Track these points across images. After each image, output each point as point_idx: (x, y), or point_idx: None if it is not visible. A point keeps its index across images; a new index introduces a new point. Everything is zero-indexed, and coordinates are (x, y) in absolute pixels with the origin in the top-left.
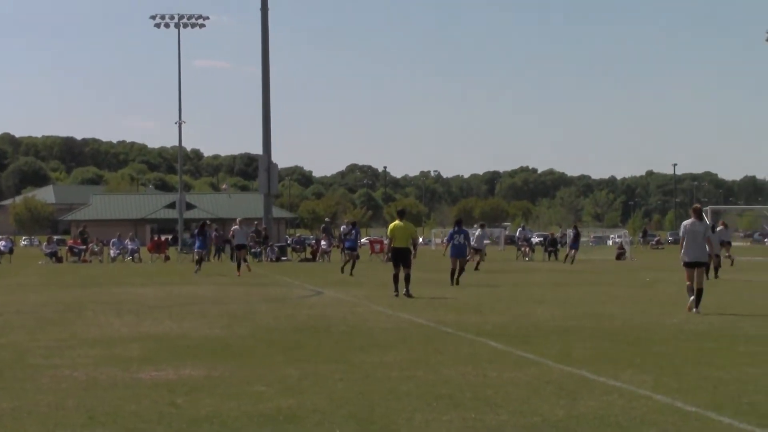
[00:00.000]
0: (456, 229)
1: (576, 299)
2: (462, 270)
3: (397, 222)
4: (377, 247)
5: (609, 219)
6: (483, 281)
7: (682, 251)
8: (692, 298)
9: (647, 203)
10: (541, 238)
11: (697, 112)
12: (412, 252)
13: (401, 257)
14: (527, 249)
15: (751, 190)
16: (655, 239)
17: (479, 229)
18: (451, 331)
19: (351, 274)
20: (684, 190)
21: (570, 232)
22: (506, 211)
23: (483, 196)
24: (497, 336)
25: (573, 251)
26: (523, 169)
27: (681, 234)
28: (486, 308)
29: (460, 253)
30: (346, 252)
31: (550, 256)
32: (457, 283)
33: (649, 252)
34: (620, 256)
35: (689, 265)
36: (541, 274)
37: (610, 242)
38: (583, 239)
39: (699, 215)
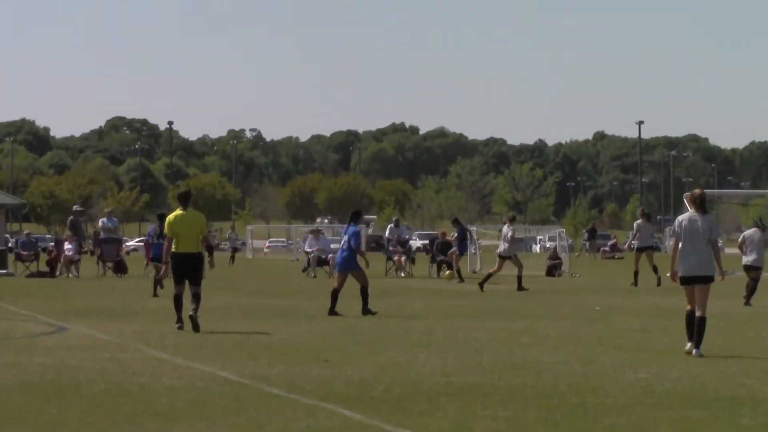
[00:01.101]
0: (346, 227)
1: (481, 340)
2: (359, 291)
3: (178, 212)
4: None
5: (535, 210)
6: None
7: (677, 261)
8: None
9: (596, 184)
10: (426, 241)
11: (674, 46)
12: (207, 258)
13: (187, 267)
14: (402, 258)
15: (761, 163)
16: (610, 243)
17: (506, 225)
18: (279, 392)
19: (155, 294)
20: (655, 165)
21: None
22: (369, 195)
23: (331, 170)
24: (354, 399)
25: (457, 257)
26: (397, 129)
27: (671, 233)
28: (337, 354)
29: (341, 264)
30: (153, 264)
31: (439, 269)
32: (332, 312)
33: (599, 263)
34: (554, 269)
35: (688, 282)
36: (424, 298)
37: (536, 247)
38: (485, 243)
39: (702, 206)
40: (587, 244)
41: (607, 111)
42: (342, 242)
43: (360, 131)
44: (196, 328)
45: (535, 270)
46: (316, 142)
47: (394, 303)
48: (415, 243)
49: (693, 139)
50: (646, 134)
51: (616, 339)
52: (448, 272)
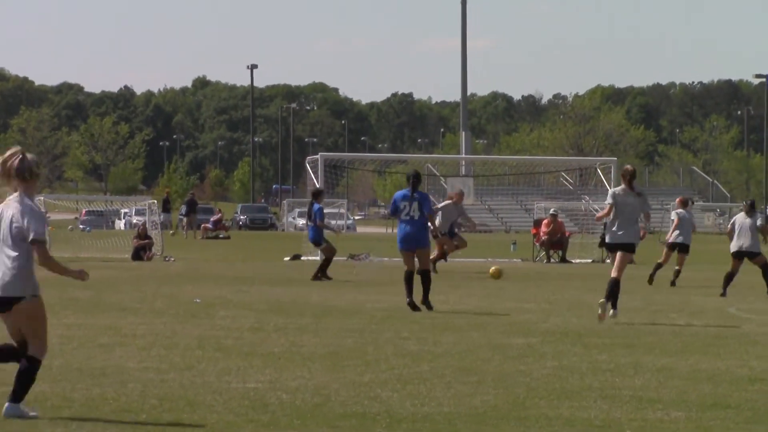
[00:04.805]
0: (408, 193)
1: (51, 340)
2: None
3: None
4: None
5: (120, 176)
6: None
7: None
8: None
9: (197, 144)
10: None
11: None
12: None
13: None
14: None
15: (403, 121)
16: (213, 218)
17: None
18: None
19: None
20: (271, 120)
21: None
22: None
23: None
24: None
25: None
26: None
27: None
28: None
29: (411, 241)
30: None
31: None
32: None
33: (200, 243)
34: (142, 251)
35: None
36: None
37: (121, 223)
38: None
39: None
40: (184, 219)
41: (209, 53)
42: (404, 210)
43: None
44: None
45: (119, 252)
46: None
47: None
48: None
49: (318, 88)
50: (261, 82)
51: (220, 340)
52: None
